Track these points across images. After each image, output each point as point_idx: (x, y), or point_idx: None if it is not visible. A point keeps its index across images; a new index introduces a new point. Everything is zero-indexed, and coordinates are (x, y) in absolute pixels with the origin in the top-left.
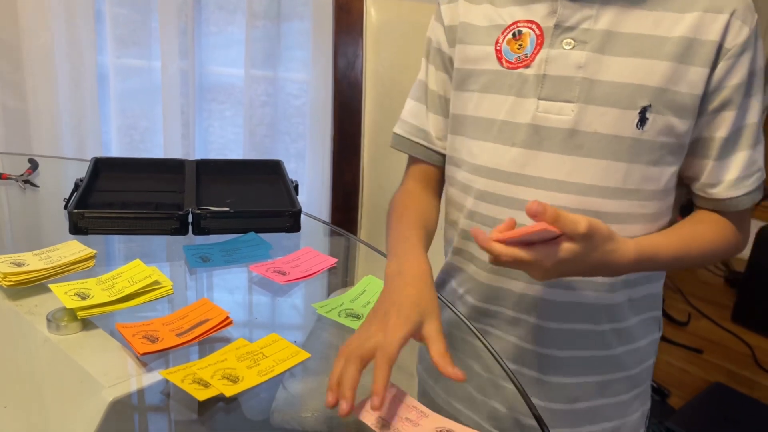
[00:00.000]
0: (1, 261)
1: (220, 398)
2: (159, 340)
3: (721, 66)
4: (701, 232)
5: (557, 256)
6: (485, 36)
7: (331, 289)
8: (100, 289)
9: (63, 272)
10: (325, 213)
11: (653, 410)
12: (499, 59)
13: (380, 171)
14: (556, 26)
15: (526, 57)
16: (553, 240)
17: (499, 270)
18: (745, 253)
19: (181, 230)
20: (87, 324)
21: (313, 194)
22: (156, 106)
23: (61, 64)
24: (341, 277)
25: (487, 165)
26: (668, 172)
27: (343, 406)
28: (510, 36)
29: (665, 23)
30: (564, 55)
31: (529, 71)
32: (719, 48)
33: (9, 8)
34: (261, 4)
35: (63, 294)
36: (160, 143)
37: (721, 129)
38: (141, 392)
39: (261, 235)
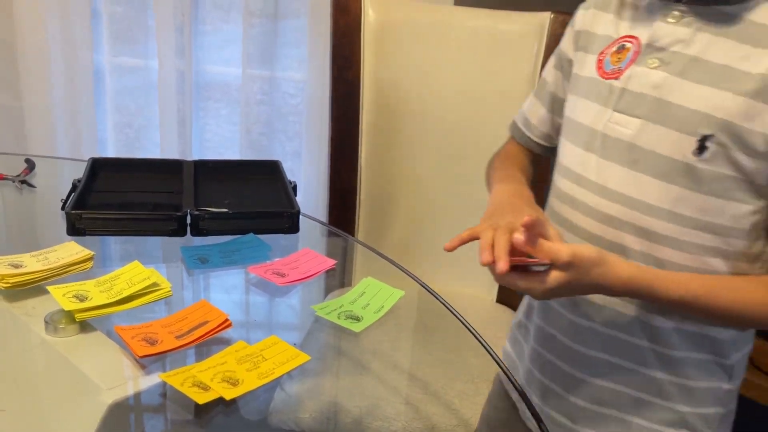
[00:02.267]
0: None
1: (219, 400)
2: (158, 343)
3: None
4: (742, 285)
5: (546, 284)
6: (598, 45)
7: (329, 290)
8: (98, 291)
9: (61, 274)
10: (321, 212)
11: None
12: (599, 68)
13: (378, 171)
14: (648, 45)
15: (620, 70)
16: (545, 269)
17: None
18: None
19: (180, 231)
20: (85, 326)
21: (310, 193)
22: (152, 104)
23: (56, 63)
24: (339, 278)
25: (564, 164)
26: (740, 209)
27: (501, 264)
28: (614, 49)
29: (753, 58)
30: (646, 73)
31: (616, 83)
32: None
33: (4, 6)
34: (257, 2)
35: (61, 296)
36: (157, 142)
37: None
38: (140, 395)
39: (259, 236)
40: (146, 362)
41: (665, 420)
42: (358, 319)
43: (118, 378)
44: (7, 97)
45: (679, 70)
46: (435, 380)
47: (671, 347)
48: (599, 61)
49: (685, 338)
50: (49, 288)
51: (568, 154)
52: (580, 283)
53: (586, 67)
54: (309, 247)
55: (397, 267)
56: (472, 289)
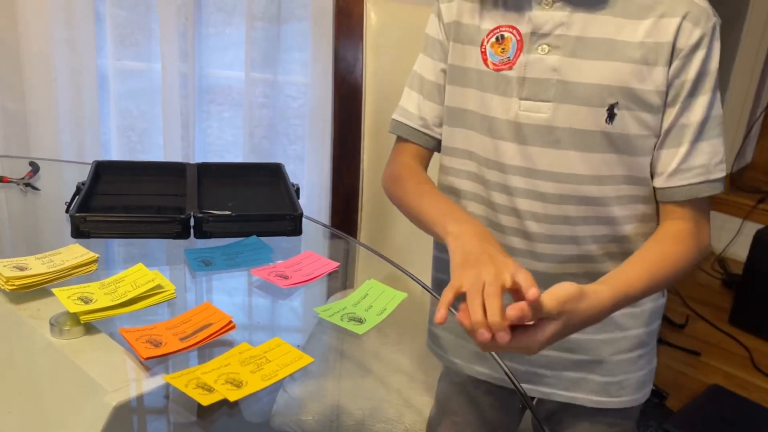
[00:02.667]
0: (4, 265)
1: (222, 402)
2: (162, 345)
3: (675, 65)
4: (666, 252)
5: (544, 338)
6: (475, 36)
7: (331, 293)
8: (103, 293)
9: (65, 276)
10: (324, 215)
11: (651, 413)
12: (485, 60)
13: (380, 173)
14: (533, 33)
15: (509, 60)
16: (532, 326)
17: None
18: (743, 255)
19: (183, 234)
20: (90, 328)
21: (312, 196)
22: (156, 107)
23: (60, 66)
24: (342, 280)
25: (480, 153)
26: (640, 161)
27: (502, 336)
28: (494, 39)
29: (627, 29)
30: (540, 59)
31: (511, 73)
32: (673, 48)
33: (8, 10)
34: (260, 5)
35: (66, 298)
36: (160, 145)
37: (666, 122)
38: (144, 397)
39: (262, 238)
40: (150, 364)
41: (626, 348)
42: (360, 321)
43: (123, 380)
44: (11, 101)
45: (569, 51)
46: (437, 382)
47: None
48: (482, 53)
49: None
50: (54, 290)
51: (477, 144)
52: (573, 322)
53: (468, 59)
54: (312, 249)
55: (400, 269)
56: None
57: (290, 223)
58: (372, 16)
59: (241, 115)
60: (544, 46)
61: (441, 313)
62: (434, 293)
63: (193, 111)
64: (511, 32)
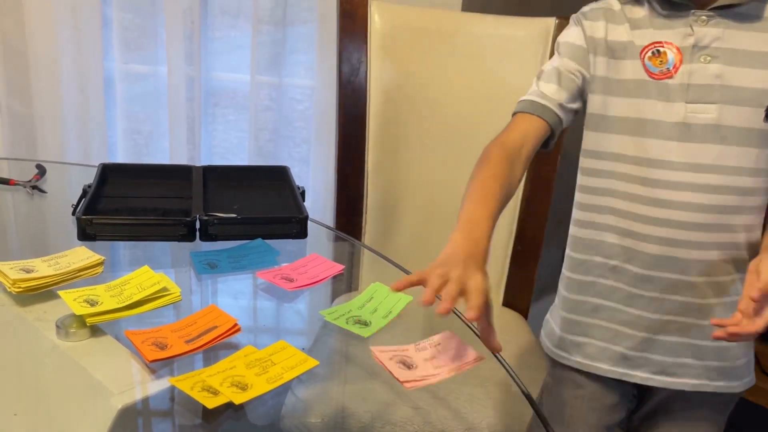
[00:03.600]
0: (10, 267)
1: (228, 405)
2: (168, 347)
3: None
4: None
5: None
6: (630, 51)
7: (336, 295)
8: (108, 296)
9: (71, 279)
10: (328, 218)
11: None
12: (646, 71)
13: (385, 177)
14: (694, 46)
15: (668, 71)
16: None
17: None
18: None
19: (189, 236)
20: (96, 330)
21: (317, 199)
22: (162, 110)
23: (67, 70)
24: (346, 282)
25: (646, 156)
26: None
27: (444, 305)
28: (650, 54)
29: None
30: (703, 68)
31: (672, 81)
32: None
33: (16, 13)
34: (266, 9)
35: (72, 300)
36: (166, 147)
37: None
38: (150, 399)
39: (267, 241)
40: (156, 367)
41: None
42: (366, 324)
43: (128, 382)
44: (18, 104)
45: (728, 61)
46: (444, 384)
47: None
48: (643, 65)
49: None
50: (60, 293)
51: (644, 147)
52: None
53: (624, 71)
54: (316, 252)
55: (405, 272)
56: None
57: (296, 226)
58: (376, 19)
59: (247, 118)
60: (706, 56)
61: (399, 283)
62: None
63: (198, 114)
64: (668, 47)
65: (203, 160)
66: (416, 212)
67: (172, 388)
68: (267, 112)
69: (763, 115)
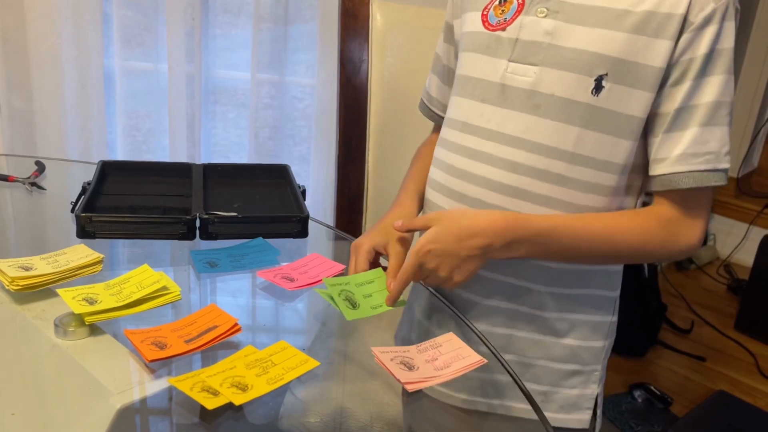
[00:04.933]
0: (9, 265)
1: (227, 405)
2: (167, 347)
3: (683, 38)
4: (620, 220)
5: (422, 241)
6: (480, 2)
7: None
8: (107, 294)
9: (70, 277)
10: (329, 216)
11: (656, 417)
12: (483, 22)
13: (385, 175)
14: None
15: (505, 21)
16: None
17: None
18: (749, 260)
19: (189, 235)
20: (95, 329)
21: (317, 197)
22: (162, 108)
23: (67, 66)
24: None
25: (460, 119)
26: (625, 145)
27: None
28: (497, 2)
29: None
30: (536, 22)
31: (504, 34)
32: (684, 20)
33: (16, 10)
34: (267, 7)
35: (71, 299)
36: (166, 145)
37: (672, 102)
38: (149, 399)
39: (268, 240)
40: (155, 366)
41: (557, 356)
42: (354, 306)
43: (127, 382)
44: (18, 100)
45: (566, 17)
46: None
47: (565, 285)
48: (483, 15)
49: (579, 275)
50: (59, 291)
51: (461, 108)
52: (450, 229)
53: (469, 23)
54: (317, 251)
55: None
56: None
57: (296, 225)
58: (378, 18)
59: (247, 116)
60: (543, 8)
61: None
62: (438, 296)
63: (198, 111)
64: None
65: (203, 158)
66: None
67: (171, 388)
68: (267, 110)
69: (591, 86)
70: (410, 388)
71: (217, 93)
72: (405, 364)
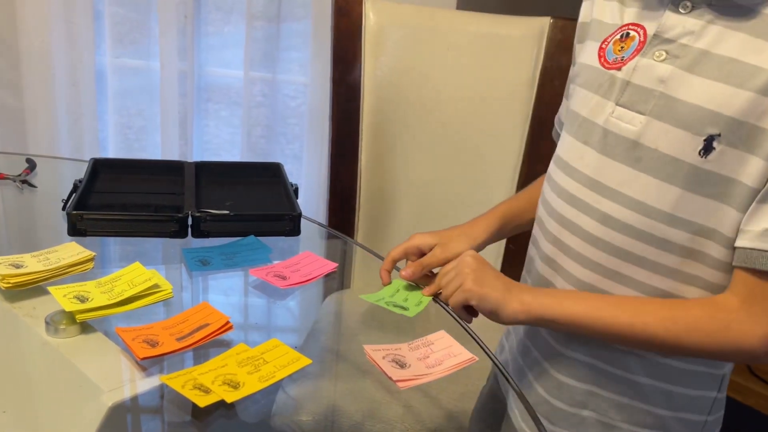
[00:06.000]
0: (0, 263)
1: (219, 403)
2: (159, 345)
3: None
4: (661, 305)
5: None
6: (602, 33)
7: (328, 293)
8: (99, 292)
9: (61, 274)
10: (321, 215)
11: None
12: (600, 57)
13: (378, 174)
14: (655, 36)
15: (622, 60)
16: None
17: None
18: None
19: (181, 233)
20: (86, 327)
21: (310, 196)
22: (154, 105)
23: (58, 63)
24: (339, 280)
25: (563, 157)
26: (733, 215)
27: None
28: (618, 37)
29: (766, 53)
30: (651, 66)
31: (619, 74)
32: None
33: (7, 6)
34: (259, 4)
35: (62, 297)
36: (157, 143)
37: None
38: (140, 397)
39: (260, 238)
40: (146, 364)
41: (645, 423)
42: (405, 308)
43: (119, 380)
44: (9, 97)
45: (687, 65)
46: (435, 383)
47: (662, 355)
48: (601, 49)
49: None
50: (50, 289)
51: (565, 145)
52: (462, 268)
53: (587, 54)
54: (309, 249)
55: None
56: None
57: (289, 224)
58: (371, 16)
59: (239, 114)
60: (662, 52)
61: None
62: (436, 298)
63: (191, 109)
64: (636, 31)
65: (195, 156)
66: (409, 209)
67: (163, 386)
68: (260, 109)
69: (699, 146)
70: (402, 386)
71: (209, 91)
72: (397, 362)
